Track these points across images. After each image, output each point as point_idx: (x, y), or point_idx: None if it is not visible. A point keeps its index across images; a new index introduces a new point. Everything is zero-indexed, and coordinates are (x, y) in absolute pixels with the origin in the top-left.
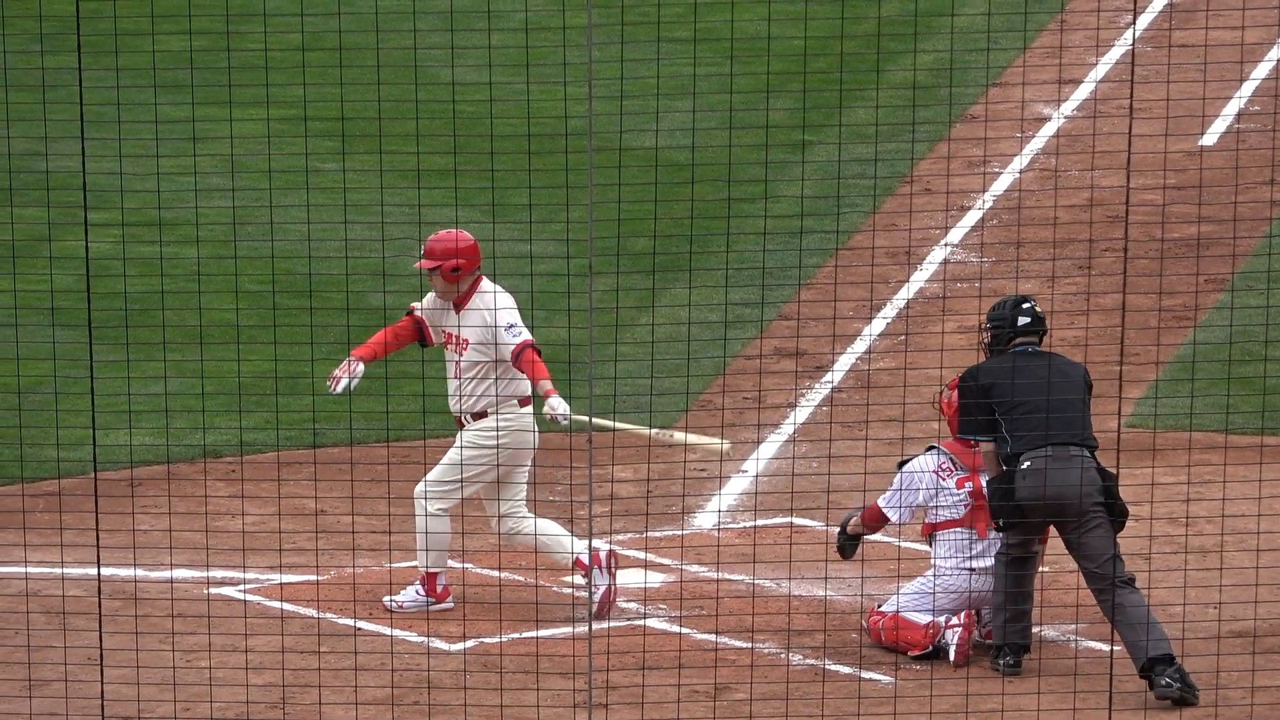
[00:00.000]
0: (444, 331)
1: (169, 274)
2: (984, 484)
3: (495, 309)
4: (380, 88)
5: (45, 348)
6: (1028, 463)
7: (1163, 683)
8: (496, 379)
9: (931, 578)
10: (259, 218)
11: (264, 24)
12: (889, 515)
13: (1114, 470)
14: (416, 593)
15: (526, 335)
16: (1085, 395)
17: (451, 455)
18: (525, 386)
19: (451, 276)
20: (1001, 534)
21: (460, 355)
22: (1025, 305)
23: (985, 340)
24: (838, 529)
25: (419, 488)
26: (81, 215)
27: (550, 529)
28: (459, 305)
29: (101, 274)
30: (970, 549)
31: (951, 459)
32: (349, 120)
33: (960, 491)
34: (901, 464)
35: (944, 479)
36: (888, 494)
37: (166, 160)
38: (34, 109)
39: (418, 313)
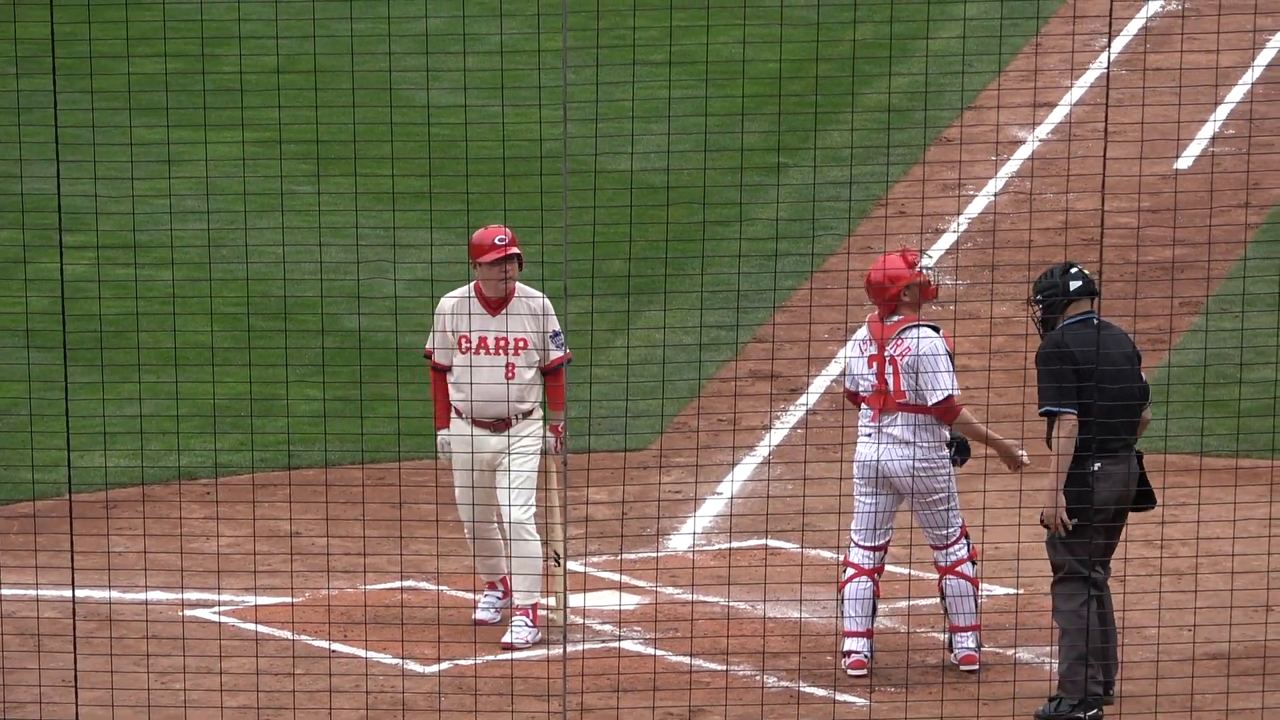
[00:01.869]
0: (479, 336)
1: (144, 296)
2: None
3: (544, 314)
4: (355, 110)
5: (20, 369)
6: (1098, 465)
7: (1106, 701)
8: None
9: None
10: (234, 240)
11: (239, 47)
12: (847, 385)
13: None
14: (527, 625)
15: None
16: (1139, 380)
17: (522, 464)
18: None
19: (520, 265)
20: (1056, 567)
21: (516, 356)
22: (1074, 270)
23: (1036, 314)
24: None
25: (520, 514)
26: (57, 237)
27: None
28: (499, 306)
29: (76, 296)
30: (868, 426)
31: (868, 334)
32: (324, 143)
33: (869, 371)
34: None
35: (861, 353)
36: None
37: (141, 183)
38: (9, 131)
39: (439, 354)
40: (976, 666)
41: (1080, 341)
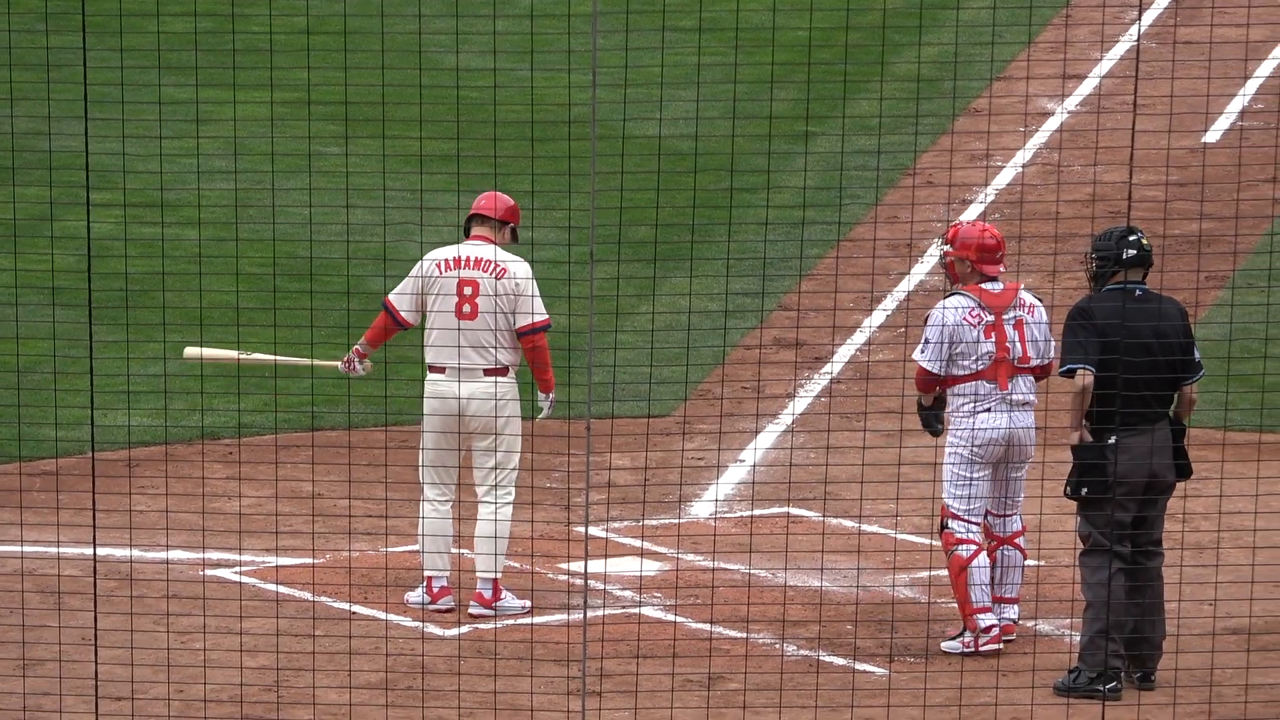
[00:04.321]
0: None
1: (170, 255)
2: (1074, 443)
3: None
4: (384, 72)
5: (45, 327)
6: (1114, 438)
7: (1150, 680)
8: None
9: (956, 456)
10: (260, 200)
11: (268, 7)
12: (931, 369)
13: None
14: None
15: (388, 300)
16: (1181, 355)
17: None
18: (432, 354)
19: None
20: (1082, 538)
21: None
22: (1132, 238)
23: (1090, 270)
24: (921, 416)
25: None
26: (83, 195)
27: (484, 531)
28: None
29: (102, 254)
30: (990, 399)
31: (978, 303)
32: (352, 104)
33: (987, 342)
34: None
35: (972, 324)
36: (921, 346)
37: (169, 141)
38: (38, 88)
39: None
40: (1014, 637)
41: (1106, 311)
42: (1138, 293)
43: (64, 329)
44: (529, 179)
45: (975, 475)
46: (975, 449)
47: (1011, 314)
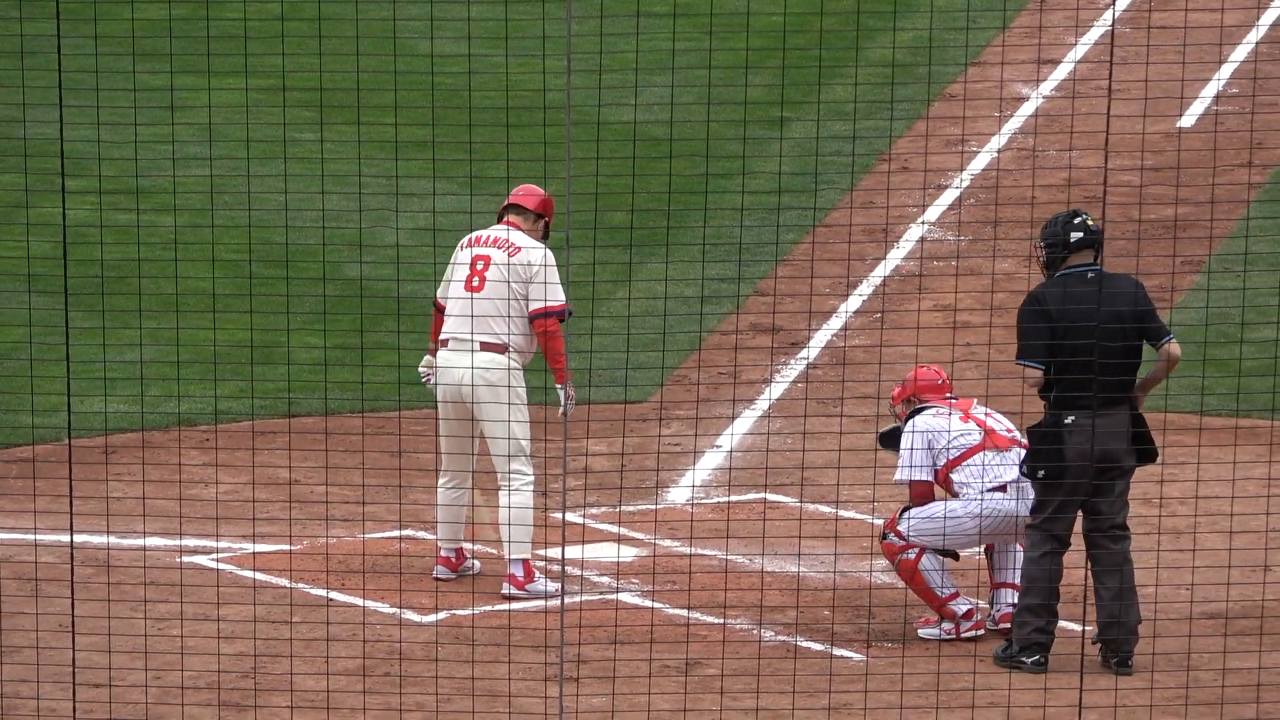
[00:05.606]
0: None
1: (146, 242)
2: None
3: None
4: (359, 59)
5: (21, 314)
6: (1071, 418)
7: (1128, 665)
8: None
9: (957, 521)
10: (236, 187)
11: None
12: (922, 477)
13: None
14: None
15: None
16: (1134, 334)
17: None
18: (444, 327)
19: None
20: (1032, 513)
21: None
22: (1078, 220)
23: (1040, 259)
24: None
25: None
26: (59, 182)
27: (444, 516)
28: None
29: (78, 241)
30: (998, 467)
31: (937, 408)
32: (327, 91)
33: (967, 425)
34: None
35: (944, 415)
36: (903, 466)
37: (144, 128)
38: (12, 75)
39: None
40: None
41: (1058, 297)
42: (1089, 275)
43: (40, 316)
44: (504, 165)
45: (952, 542)
46: (983, 520)
47: (978, 410)
